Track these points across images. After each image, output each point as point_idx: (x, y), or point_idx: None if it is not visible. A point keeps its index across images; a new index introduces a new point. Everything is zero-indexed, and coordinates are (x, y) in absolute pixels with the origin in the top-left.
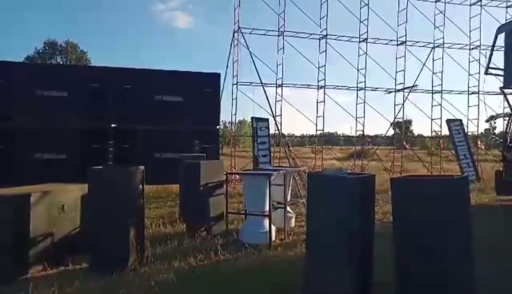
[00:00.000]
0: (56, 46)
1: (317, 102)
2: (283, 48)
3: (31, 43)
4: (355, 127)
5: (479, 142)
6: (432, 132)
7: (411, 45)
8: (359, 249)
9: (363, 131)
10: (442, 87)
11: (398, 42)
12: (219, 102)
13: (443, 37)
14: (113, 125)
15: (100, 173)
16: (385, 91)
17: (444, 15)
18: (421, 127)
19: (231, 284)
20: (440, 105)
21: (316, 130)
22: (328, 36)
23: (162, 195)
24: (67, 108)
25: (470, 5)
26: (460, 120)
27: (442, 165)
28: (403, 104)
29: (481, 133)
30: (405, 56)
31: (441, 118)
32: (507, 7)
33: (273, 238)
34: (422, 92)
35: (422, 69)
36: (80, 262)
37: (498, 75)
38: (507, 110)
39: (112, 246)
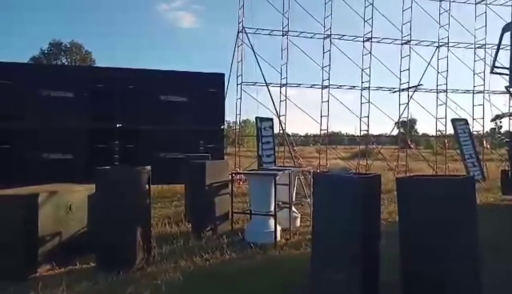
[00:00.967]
0: (61, 46)
1: (321, 102)
2: (287, 48)
3: (37, 44)
4: (360, 127)
5: (484, 142)
6: (437, 131)
7: (415, 44)
8: (365, 249)
9: (367, 130)
10: (447, 86)
11: (403, 41)
12: (224, 102)
13: (448, 36)
14: (118, 125)
15: (107, 173)
16: (389, 90)
17: (449, 14)
18: (426, 127)
19: (238, 284)
20: (445, 104)
21: (321, 129)
22: (332, 36)
23: (167, 194)
24: (73, 108)
25: (475, 3)
26: (465, 120)
27: (448, 165)
28: (407, 104)
29: (487, 132)
30: (409, 55)
31: (446, 118)
32: None
33: (279, 237)
34: (426, 91)
35: (426, 68)
36: (88, 262)
37: (504, 74)
38: None
39: (119, 245)
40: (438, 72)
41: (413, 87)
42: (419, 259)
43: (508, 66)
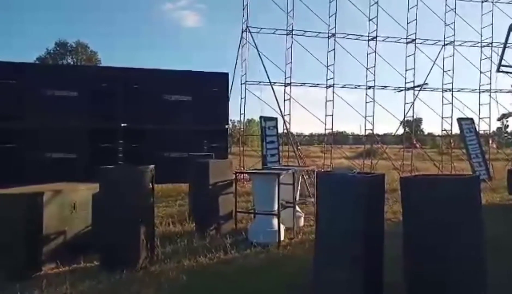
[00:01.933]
0: (66, 46)
1: (325, 101)
2: (291, 47)
3: (40, 44)
4: (364, 126)
5: (490, 141)
6: (442, 130)
7: (421, 43)
8: (368, 249)
9: (372, 130)
10: (452, 85)
11: (408, 40)
12: (227, 102)
13: (454, 35)
14: (122, 125)
15: (110, 172)
16: (394, 89)
17: (454, 12)
18: (431, 126)
19: (241, 284)
20: (451, 103)
21: (325, 129)
22: (336, 35)
23: (171, 194)
24: (77, 108)
25: (482, 1)
26: (471, 119)
27: (453, 164)
28: (413, 103)
29: (493, 131)
30: (414, 54)
31: (451, 117)
32: None
33: (282, 237)
34: (432, 90)
35: (432, 67)
36: (92, 260)
37: (511, 72)
38: None
39: (123, 244)
40: (444, 71)
41: (418, 86)
42: (422, 259)
43: None
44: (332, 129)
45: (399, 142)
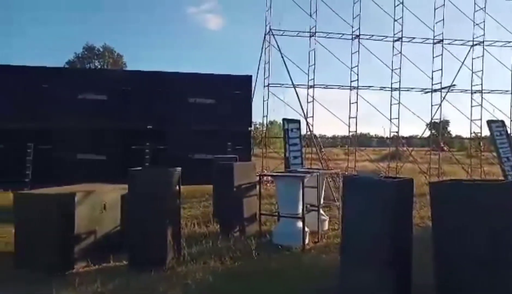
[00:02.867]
0: (94, 50)
1: (349, 103)
2: (315, 49)
3: (71, 48)
4: (390, 128)
5: None
6: (471, 133)
7: (448, 44)
8: (397, 253)
9: (397, 132)
10: (482, 86)
11: (435, 41)
12: (251, 104)
13: (484, 34)
14: (149, 127)
15: (139, 174)
16: (421, 91)
17: (484, 11)
18: (459, 128)
19: (267, 287)
20: (481, 105)
21: (349, 131)
22: (361, 36)
23: (195, 195)
24: (106, 110)
25: None
26: (502, 121)
27: (483, 168)
28: (440, 105)
29: None
30: (442, 55)
31: (481, 119)
32: None
33: (307, 240)
34: (460, 92)
35: (460, 68)
36: (121, 260)
37: None
38: None
39: (151, 245)
40: (472, 72)
41: (446, 87)
42: (453, 265)
43: None
44: (356, 131)
45: (426, 144)
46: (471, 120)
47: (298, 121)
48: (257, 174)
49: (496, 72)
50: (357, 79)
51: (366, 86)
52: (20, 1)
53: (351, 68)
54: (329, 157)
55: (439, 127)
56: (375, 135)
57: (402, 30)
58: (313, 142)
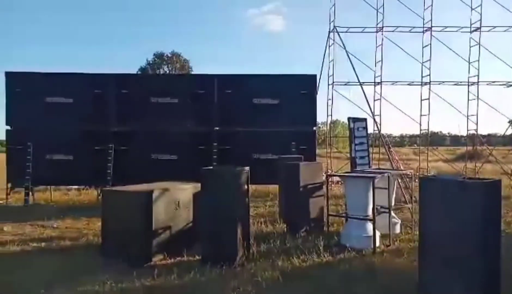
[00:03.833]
0: (163, 57)
1: (420, 100)
2: (382, 44)
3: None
4: (467, 126)
5: None
6: None
7: None
8: (485, 262)
9: (476, 130)
10: None
11: None
12: (315, 104)
13: None
14: (216, 128)
15: (212, 172)
16: (504, 85)
17: None
18: None
19: (338, 288)
20: None
21: (420, 129)
22: (433, 28)
23: (260, 195)
24: (178, 113)
25: None
26: None
27: None
28: None
29: None
30: None
31: None
32: None
33: (378, 243)
34: None
35: None
36: (193, 255)
37: None
38: None
39: (222, 241)
40: None
41: None
42: None
43: None
44: (428, 129)
45: (508, 143)
46: None
47: (365, 120)
48: (324, 174)
49: None
50: (429, 74)
51: (439, 81)
52: (101, 19)
53: (422, 62)
54: (398, 157)
55: None
56: (449, 133)
57: (480, 19)
58: (382, 141)
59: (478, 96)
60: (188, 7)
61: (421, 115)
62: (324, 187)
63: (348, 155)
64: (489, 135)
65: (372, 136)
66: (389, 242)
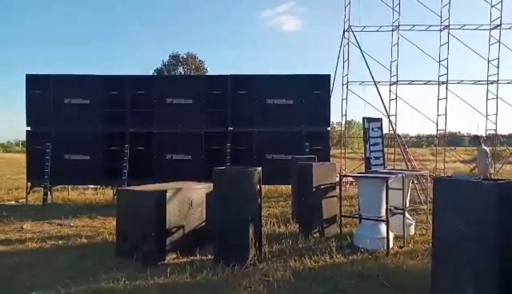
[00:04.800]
0: (178, 58)
1: (437, 99)
2: (398, 43)
3: (159, 57)
4: (485, 126)
5: None
6: None
7: None
8: (499, 263)
9: (495, 130)
10: None
11: None
12: (329, 104)
13: None
14: (229, 129)
15: (224, 173)
16: None
17: None
18: None
19: (352, 290)
20: None
21: (437, 129)
22: (450, 26)
23: (272, 195)
24: (192, 114)
25: None
26: None
27: None
28: None
29: None
30: None
31: None
32: None
33: (391, 245)
34: None
35: None
36: (206, 254)
37: None
38: None
39: (235, 241)
40: None
41: None
42: None
43: None
44: (445, 129)
45: None
46: None
47: (380, 120)
48: (338, 175)
49: None
50: (447, 73)
51: (456, 80)
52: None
53: (440, 61)
54: (414, 158)
55: None
56: (467, 133)
57: (501, 16)
58: (397, 141)
59: (497, 95)
60: (202, 9)
61: (438, 115)
62: (338, 187)
63: (363, 155)
64: (509, 135)
65: (387, 136)
66: (403, 243)
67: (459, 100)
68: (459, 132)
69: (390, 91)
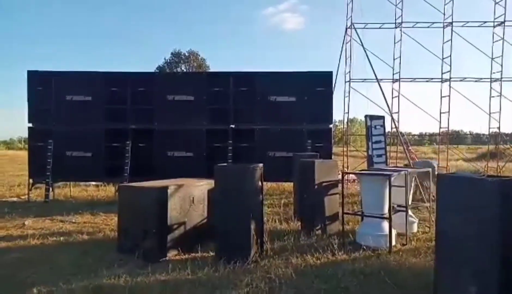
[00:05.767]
0: (180, 55)
1: (440, 97)
2: (400, 40)
3: (161, 54)
4: (489, 124)
5: None
6: None
7: None
8: (502, 262)
9: (498, 128)
10: None
11: None
12: (332, 101)
13: None
14: (231, 126)
15: (226, 169)
16: None
17: None
18: None
19: (354, 287)
20: None
21: (440, 127)
22: (454, 23)
23: (275, 192)
24: (194, 111)
25: None
26: None
27: None
28: None
29: None
30: None
31: None
32: None
33: (393, 242)
34: None
35: None
36: (207, 250)
37: None
38: None
39: (236, 238)
40: None
41: None
42: None
43: None
44: (448, 127)
45: None
46: None
47: (382, 118)
48: (340, 172)
49: None
50: (450, 71)
51: (460, 78)
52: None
53: (443, 58)
54: (416, 156)
55: None
56: (470, 132)
57: (504, 14)
58: (400, 139)
59: (501, 93)
60: (205, 7)
61: (441, 113)
62: (340, 185)
63: (366, 153)
64: None
65: (390, 134)
66: (405, 241)
67: (462, 97)
68: (461, 130)
69: (392, 88)
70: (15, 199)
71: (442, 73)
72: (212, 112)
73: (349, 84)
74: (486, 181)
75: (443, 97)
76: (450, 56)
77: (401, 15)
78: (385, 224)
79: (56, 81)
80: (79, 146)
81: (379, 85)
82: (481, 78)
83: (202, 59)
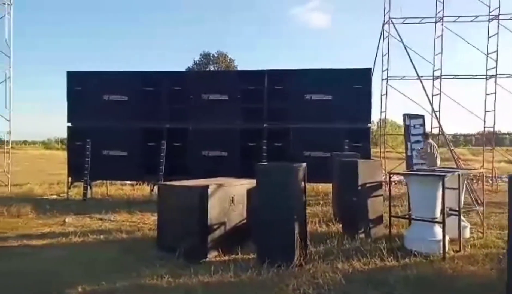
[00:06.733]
0: (209, 56)
1: (485, 94)
2: (442, 35)
3: (189, 56)
4: None
5: None
6: None
7: None
8: None
9: None
10: None
11: None
12: (371, 99)
13: None
14: (265, 125)
15: (269, 168)
16: None
17: None
18: None
19: None
20: None
21: (484, 127)
22: (501, 16)
23: (311, 193)
24: (228, 110)
25: None
26: None
27: None
28: None
29: None
30: None
31: None
32: None
33: (447, 248)
34: None
35: None
36: (248, 252)
37: None
38: None
39: (280, 240)
40: None
41: None
42: None
43: None
44: (494, 127)
45: None
46: None
47: (422, 116)
48: (387, 173)
49: None
50: (496, 67)
51: (506, 75)
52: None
53: (488, 54)
54: (460, 157)
55: None
56: (508, 132)
57: None
58: (446, 139)
59: None
60: (232, 8)
61: (485, 111)
62: (384, 186)
63: (401, 155)
64: None
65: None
66: (458, 247)
67: (506, 95)
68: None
69: (433, 86)
70: (55, 196)
71: (487, 69)
72: (246, 111)
73: (387, 81)
74: None
75: (488, 94)
76: (497, 51)
77: (443, 8)
78: (437, 229)
79: (94, 81)
80: (115, 145)
81: (421, 82)
82: None
83: (230, 59)
